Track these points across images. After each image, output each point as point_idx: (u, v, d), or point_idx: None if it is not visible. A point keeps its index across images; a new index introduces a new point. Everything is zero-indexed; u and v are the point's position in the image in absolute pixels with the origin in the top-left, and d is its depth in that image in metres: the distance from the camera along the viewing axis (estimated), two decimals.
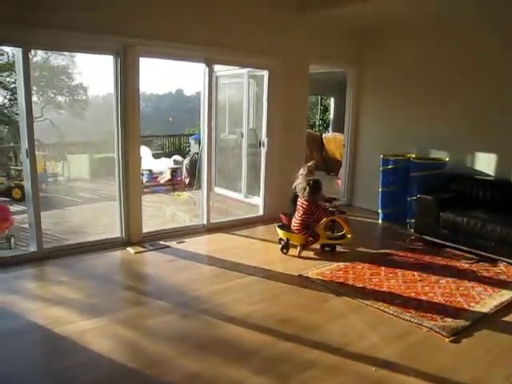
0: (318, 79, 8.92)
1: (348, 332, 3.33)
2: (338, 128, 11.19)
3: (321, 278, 4.34)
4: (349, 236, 5.06)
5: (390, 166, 6.32)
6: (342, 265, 4.70)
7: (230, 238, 5.61)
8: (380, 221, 6.56)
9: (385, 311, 3.65)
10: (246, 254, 4.95)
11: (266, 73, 6.20)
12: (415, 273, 4.51)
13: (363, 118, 7.31)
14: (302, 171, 5.14)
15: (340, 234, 5.18)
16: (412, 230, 5.89)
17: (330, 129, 13.48)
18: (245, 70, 7.06)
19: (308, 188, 4.93)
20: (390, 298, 3.88)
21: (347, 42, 6.97)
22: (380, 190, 6.50)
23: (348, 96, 7.37)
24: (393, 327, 3.41)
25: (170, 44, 5.01)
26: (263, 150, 6.34)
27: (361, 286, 4.17)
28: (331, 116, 13.72)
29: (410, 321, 3.48)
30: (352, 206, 7.47)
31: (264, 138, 6.31)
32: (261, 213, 6.50)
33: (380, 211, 6.57)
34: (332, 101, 13.44)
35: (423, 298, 3.92)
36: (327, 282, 4.23)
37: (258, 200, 6.65)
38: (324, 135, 11.81)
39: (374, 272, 4.52)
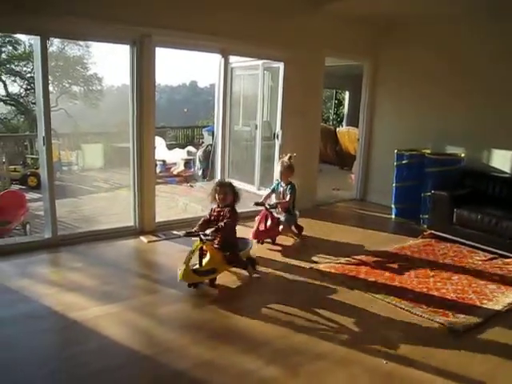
0: (333, 73, 8.87)
1: (359, 325, 3.33)
2: (352, 122, 11.14)
3: (333, 271, 4.34)
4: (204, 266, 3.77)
5: (404, 161, 6.28)
6: (353, 259, 4.70)
7: (242, 230, 5.58)
8: (393, 216, 6.52)
9: (396, 305, 3.64)
10: (258, 246, 4.95)
11: (281, 65, 6.18)
12: (427, 268, 4.49)
13: (378, 113, 7.25)
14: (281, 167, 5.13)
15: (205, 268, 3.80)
16: (425, 226, 5.86)
17: (344, 123, 13.43)
18: (260, 62, 7.03)
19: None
20: (401, 293, 3.87)
21: (364, 34, 6.91)
22: (394, 185, 6.46)
23: (363, 90, 7.31)
24: (404, 322, 3.41)
25: (187, 34, 5.01)
26: (277, 143, 6.33)
27: (373, 280, 4.16)
28: (345, 110, 13.66)
29: (421, 316, 3.47)
30: (365, 200, 7.45)
31: (278, 130, 6.31)
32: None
33: (393, 206, 6.53)
34: (347, 95, 13.38)
35: (435, 293, 3.91)
36: (338, 276, 4.23)
37: None
38: (338, 129, 11.75)
39: (386, 266, 4.50)
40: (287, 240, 5.20)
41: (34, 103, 15.19)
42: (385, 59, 7.04)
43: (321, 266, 4.44)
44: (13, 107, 16.80)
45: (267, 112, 7.51)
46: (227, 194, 3.99)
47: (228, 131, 6.18)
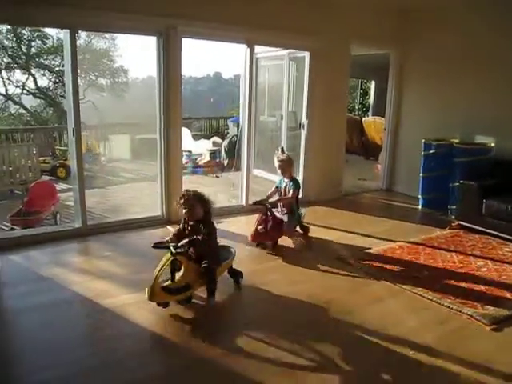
0: (359, 62, 8.76)
1: (387, 316, 3.33)
2: (378, 112, 11.01)
3: (359, 261, 4.33)
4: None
5: (432, 151, 6.18)
6: (380, 249, 4.67)
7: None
8: (420, 206, 6.44)
9: (424, 296, 3.61)
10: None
11: (307, 54, 6.15)
12: (455, 260, 4.44)
13: (405, 102, 7.14)
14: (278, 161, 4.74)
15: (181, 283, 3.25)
16: (453, 217, 5.77)
17: (370, 113, 13.28)
18: (285, 52, 7.00)
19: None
20: (429, 284, 3.83)
21: (391, 23, 6.78)
22: (421, 175, 6.37)
23: (390, 79, 7.21)
24: (432, 313, 3.38)
25: (212, 25, 5.01)
26: (303, 133, 6.31)
27: (399, 270, 4.14)
28: (371, 100, 13.50)
29: (449, 307, 3.44)
30: (392, 190, 7.38)
31: (304, 120, 6.28)
32: (299, 195, 6.47)
33: (420, 197, 6.45)
34: (372, 84, 13.21)
35: (463, 285, 3.86)
36: (365, 266, 4.21)
37: None
38: (364, 119, 11.63)
39: (413, 257, 4.47)
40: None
41: (63, 96, 15.47)
42: (411, 48, 6.90)
43: (345, 256, 4.43)
44: (42, 100, 17.11)
45: (293, 102, 7.48)
46: (194, 207, 3.41)
47: (254, 122, 6.18)
